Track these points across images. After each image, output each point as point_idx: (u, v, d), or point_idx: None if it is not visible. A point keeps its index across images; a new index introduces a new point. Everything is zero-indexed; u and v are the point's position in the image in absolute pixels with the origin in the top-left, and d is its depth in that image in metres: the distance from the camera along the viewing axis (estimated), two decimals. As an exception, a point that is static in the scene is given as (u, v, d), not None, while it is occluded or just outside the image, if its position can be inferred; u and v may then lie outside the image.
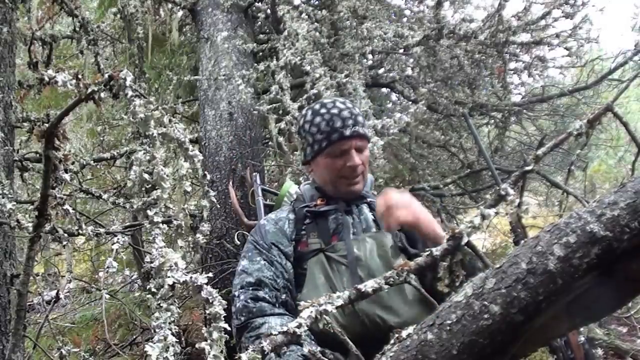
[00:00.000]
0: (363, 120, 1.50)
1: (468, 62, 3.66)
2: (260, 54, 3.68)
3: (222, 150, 3.30)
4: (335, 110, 1.46)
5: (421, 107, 2.78)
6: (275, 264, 1.43)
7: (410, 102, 3.95)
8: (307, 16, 2.97)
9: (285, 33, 2.89)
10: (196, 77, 3.60)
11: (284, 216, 1.56)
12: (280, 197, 1.87)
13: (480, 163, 4.15)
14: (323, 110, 1.47)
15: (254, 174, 2.28)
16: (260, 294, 1.37)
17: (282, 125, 2.73)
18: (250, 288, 1.38)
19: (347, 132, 1.44)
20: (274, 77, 2.86)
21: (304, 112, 1.55)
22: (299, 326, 0.89)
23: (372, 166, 2.54)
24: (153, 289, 0.88)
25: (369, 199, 1.56)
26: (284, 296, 1.39)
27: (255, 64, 3.13)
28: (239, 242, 2.17)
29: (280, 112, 2.90)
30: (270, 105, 2.92)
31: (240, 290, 1.40)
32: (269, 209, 2.07)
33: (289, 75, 2.82)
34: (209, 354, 0.84)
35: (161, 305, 0.86)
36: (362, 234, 1.48)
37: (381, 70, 4.09)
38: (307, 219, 1.52)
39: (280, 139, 2.89)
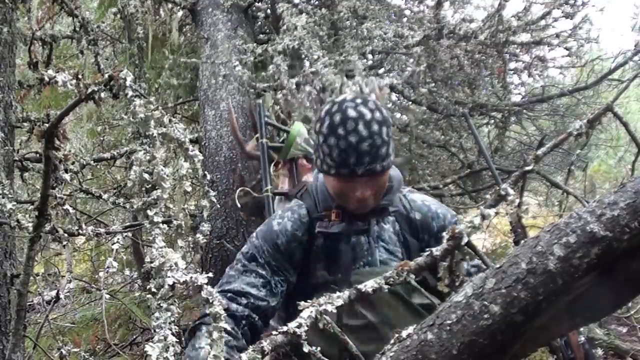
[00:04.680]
0: (386, 150, 1.26)
1: (468, 62, 3.66)
2: (261, 57, 3.68)
3: (222, 150, 3.30)
4: (353, 139, 1.22)
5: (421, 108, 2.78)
6: (270, 288, 1.34)
7: (410, 102, 3.95)
8: (306, 14, 2.98)
9: (284, 27, 2.88)
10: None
11: (297, 231, 1.39)
12: (290, 141, 1.73)
13: (480, 163, 4.14)
14: (341, 131, 1.23)
15: (257, 102, 1.97)
16: (233, 306, 1.28)
17: (279, 96, 2.70)
18: (229, 294, 1.31)
19: (360, 170, 1.24)
20: (272, 60, 2.85)
21: (323, 112, 1.31)
22: (299, 326, 0.89)
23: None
24: (153, 289, 0.88)
25: (394, 208, 1.41)
26: (256, 317, 1.31)
27: (253, 48, 3.12)
28: (238, 244, 2.14)
29: (277, 89, 2.87)
30: (267, 84, 2.90)
31: (230, 274, 1.36)
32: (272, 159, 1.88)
33: (287, 59, 2.80)
34: (208, 354, 0.84)
35: (161, 305, 0.86)
36: (378, 263, 1.35)
37: (381, 70, 4.09)
38: (319, 238, 1.39)
39: (277, 107, 2.85)
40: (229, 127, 3.35)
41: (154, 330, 0.85)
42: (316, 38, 2.81)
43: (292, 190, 1.78)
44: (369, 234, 1.39)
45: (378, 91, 1.87)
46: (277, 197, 1.89)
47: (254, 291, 1.32)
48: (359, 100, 1.28)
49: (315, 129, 1.33)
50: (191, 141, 1.62)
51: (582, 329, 1.20)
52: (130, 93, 1.01)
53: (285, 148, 1.73)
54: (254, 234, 1.45)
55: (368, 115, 1.25)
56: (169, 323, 0.86)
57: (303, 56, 2.75)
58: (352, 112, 1.25)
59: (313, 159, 1.49)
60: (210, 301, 0.86)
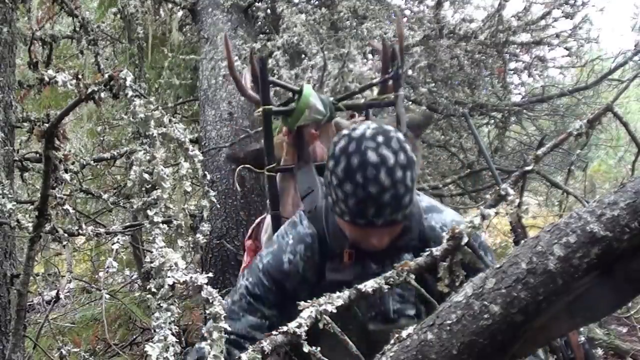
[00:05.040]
0: (409, 197, 1.12)
1: (468, 62, 3.66)
2: (262, 53, 3.68)
3: (222, 150, 3.30)
4: (373, 189, 1.07)
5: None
6: (271, 323, 1.26)
7: (410, 102, 3.95)
8: (306, 13, 2.98)
9: (284, 26, 2.89)
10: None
11: (308, 272, 1.27)
12: (301, 108, 1.49)
13: (480, 163, 4.14)
14: (359, 178, 1.08)
15: (260, 57, 1.66)
16: (236, 352, 1.16)
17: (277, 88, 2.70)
18: (232, 336, 1.21)
19: (379, 222, 1.12)
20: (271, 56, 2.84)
21: (338, 148, 1.15)
22: (299, 326, 0.89)
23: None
24: (153, 289, 0.88)
25: (413, 242, 1.26)
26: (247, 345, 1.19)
27: (252, 43, 3.12)
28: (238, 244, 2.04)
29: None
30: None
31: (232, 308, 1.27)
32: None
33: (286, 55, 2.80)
34: (209, 354, 0.84)
35: (161, 305, 0.86)
36: (392, 313, 1.26)
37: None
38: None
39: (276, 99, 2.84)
40: (229, 127, 3.36)
41: (154, 330, 0.85)
42: (315, 34, 2.81)
43: (297, 165, 1.59)
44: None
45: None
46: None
47: (259, 335, 1.16)
48: (380, 139, 1.11)
49: (329, 166, 1.16)
50: (191, 141, 1.59)
51: (582, 329, 1.20)
52: (130, 93, 1.01)
53: (295, 115, 1.49)
54: (260, 263, 1.31)
55: (391, 160, 1.09)
56: (169, 323, 0.86)
57: (302, 55, 2.75)
58: (372, 156, 1.09)
59: (322, 126, 1.39)
60: (210, 301, 0.86)
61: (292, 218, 1.41)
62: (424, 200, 1.39)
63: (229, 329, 1.15)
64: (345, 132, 1.19)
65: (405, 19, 3.91)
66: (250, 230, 1.79)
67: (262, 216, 1.78)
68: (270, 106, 1.55)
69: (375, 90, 1.76)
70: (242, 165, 1.73)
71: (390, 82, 1.65)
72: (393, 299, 1.31)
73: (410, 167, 1.12)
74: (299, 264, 1.28)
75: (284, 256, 1.29)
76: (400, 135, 1.16)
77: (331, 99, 1.61)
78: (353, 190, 1.09)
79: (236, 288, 1.33)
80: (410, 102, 3.84)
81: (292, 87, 1.61)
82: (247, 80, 1.75)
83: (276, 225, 1.54)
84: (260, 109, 1.54)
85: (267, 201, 1.64)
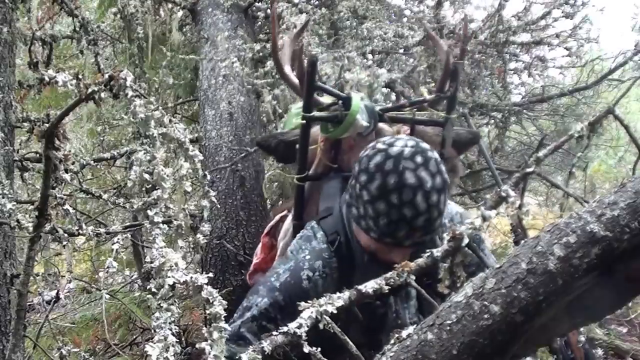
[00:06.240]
0: (441, 220, 1.10)
1: (468, 62, 3.66)
2: (260, 54, 3.68)
3: (222, 150, 3.30)
4: (408, 213, 1.05)
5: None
6: None
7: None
8: (306, 13, 2.98)
9: (284, 27, 2.89)
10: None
11: (328, 290, 1.08)
12: (349, 120, 1.34)
13: (481, 163, 4.14)
14: (394, 200, 1.06)
15: (312, 57, 1.44)
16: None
17: (277, 92, 2.68)
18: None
19: (407, 243, 1.11)
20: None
21: (372, 163, 1.11)
22: (300, 326, 0.89)
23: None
24: (153, 289, 0.88)
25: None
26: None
27: (251, 44, 3.12)
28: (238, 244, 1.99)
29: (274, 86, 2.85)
30: (264, 81, 2.88)
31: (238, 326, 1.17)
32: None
33: None
34: (209, 354, 0.84)
35: (161, 305, 0.86)
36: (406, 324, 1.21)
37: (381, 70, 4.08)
38: None
39: (274, 102, 2.79)
40: (229, 127, 3.35)
41: (154, 330, 0.85)
42: (315, 36, 2.81)
43: (326, 175, 1.50)
44: (400, 295, 1.25)
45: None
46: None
47: None
48: (419, 159, 1.08)
49: (360, 179, 1.13)
50: (191, 141, 1.57)
51: (582, 329, 1.20)
52: (130, 93, 1.01)
53: (341, 128, 1.38)
54: (277, 281, 1.22)
55: (429, 184, 1.06)
56: (169, 323, 0.86)
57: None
58: (410, 178, 1.06)
59: (363, 136, 1.29)
60: (211, 301, 0.86)
61: (304, 232, 1.35)
62: None
63: (228, 328, 1.08)
64: (381, 146, 1.14)
65: (405, 19, 3.91)
66: (268, 227, 1.72)
67: (283, 213, 1.70)
68: (313, 113, 1.43)
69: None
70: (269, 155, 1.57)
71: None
72: (408, 311, 1.28)
73: (445, 190, 1.10)
74: (318, 281, 1.22)
75: (302, 273, 1.22)
76: (438, 156, 1.13)
77: (378, 108, 1.49)
78: (387, 210, 1.07)
79: (246, 306, 1.22)
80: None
81: (340, 94, 1.46)
82: (286, 61, 1.62)
83: (296, 235, 1.43)
84: (300, 116, 1.43)
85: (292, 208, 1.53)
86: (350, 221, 1.25)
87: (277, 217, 1.72)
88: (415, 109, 1.52)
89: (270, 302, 1.19)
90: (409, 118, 1.53)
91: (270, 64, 2.71)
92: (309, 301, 1.09)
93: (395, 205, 1.06)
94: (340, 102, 1.43)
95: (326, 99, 1.53)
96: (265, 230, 1.73)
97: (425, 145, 1.15)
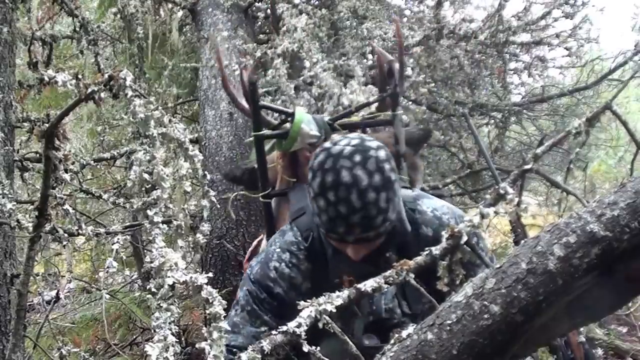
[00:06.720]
0: (383, 217, 1.12)
1: (468, 62, 3.66)
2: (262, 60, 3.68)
3: (222, 150, 3.30)
4: (343, 209, 1.09)
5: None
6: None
7: (411, 102, 3.95)
8: (306, 14, 2.98)
9: (284, 29, 2.89)
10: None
11: (294, 279, 1.29)
12: (293, 132, 1.43)
13: (480, 163, 4.15)
14: (331, 197, 1.10)
15: (251, 79, 1.50)
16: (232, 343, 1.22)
17: (278, 101, 2.69)
18: (235, 350, 1.17)
19: (350, 239, 1.15)
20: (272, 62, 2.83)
21: (317, 161, 1.16)
22: (299, 326, 0.89)
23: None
24: (153, 289, 0.88)
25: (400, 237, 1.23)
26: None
27: (253, 49, 3.11)
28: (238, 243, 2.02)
29: (275, 94, 2.85)
30: (265, 89, 2.88)
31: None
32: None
33: (286, 62, 2.78)
34: (209, 354, 0.84)
35: (161, 305, 0.86)
36: (383, 312, 1.26)
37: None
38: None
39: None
40: (229, 127, 3.35)
41: (154, 330, 0.85)
42: (315, 40, 2.81)
43: (291, 188, 1.58)
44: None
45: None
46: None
47: None
48: (357, 158, 1.12)
49: (309, 177, 1.18)
50: (191, 141, 1.58)
51: (582, 329, 1.20)
52: (130, 93, 1.01)
53: (288, 142, 1.48)
54: (251, 273, 1.33)
55: (364, 182, 1.09)
56: (169, 323, 0.86)
57: (303, 58, 2.75)
58: (346, 176, 1.10)
59: (317, 147, 1.32)
60: (210, 301, 0.86)
61: (282, 227, 1.43)
62: (414, 191, 1.42)
63: (231, 342, 1.22)
64: (326, 145, 1.20)
65: (405, 19, 3.91)
66: (249, 253, 1.80)
67: (260, 238, 1.78)
68: (263, 132, 1.52)
69: (374, 106, 1.70)
70: (239, 185, 1.72)
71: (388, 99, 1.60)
72: (384, 297, 1.31)
73: (386, 188, 1.11)
74: (284, 271, 1.30)
75: (270, 264, 1.31)
76: (381, 154, 1.14)
77: (326, 118, 1.57)
78: (325, 207, 1.12)
79: (236, 300, 1.35)
80: (411, 102, 3.84)
81: (284, 111, 1.58)
82: (241, 89, 1.69)
83: None
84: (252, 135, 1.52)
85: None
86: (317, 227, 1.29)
87: (255, 242, 1.80)
88: (363, 113, 1.59)
89: (249, 291, 1.31)
90: (359, 122, 1.61)
91: (270, 72, 2.72)
92: (277, 289, 1.25)
93: (332, 203, 1.11)
94: (287, 117, 1.53)
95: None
96: (247, 256, 1.79)
97: (371, 144, 1.17)
